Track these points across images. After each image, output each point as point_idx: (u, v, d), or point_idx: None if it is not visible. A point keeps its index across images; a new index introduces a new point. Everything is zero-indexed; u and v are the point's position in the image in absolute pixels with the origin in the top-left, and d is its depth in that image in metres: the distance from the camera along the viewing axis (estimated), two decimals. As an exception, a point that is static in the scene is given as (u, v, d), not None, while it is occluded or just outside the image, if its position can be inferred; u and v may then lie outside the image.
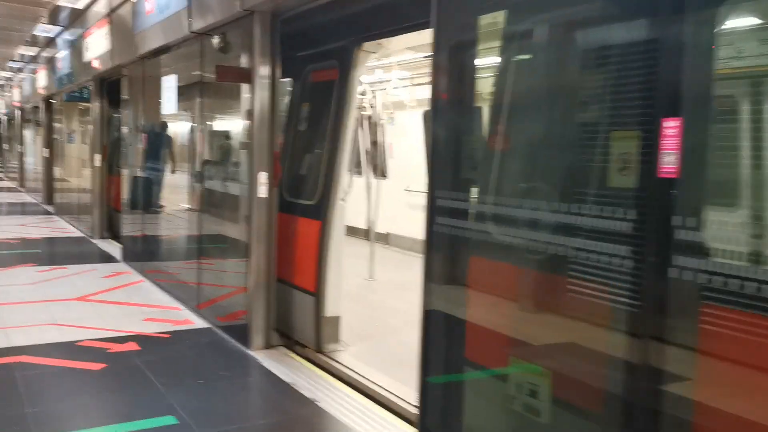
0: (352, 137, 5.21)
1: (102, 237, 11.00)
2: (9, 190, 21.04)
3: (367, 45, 5.02)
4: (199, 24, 5.80)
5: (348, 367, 4.83)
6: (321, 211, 5.10)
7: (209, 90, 6.13)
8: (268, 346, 5.30)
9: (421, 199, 3.43)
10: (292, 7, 4.98)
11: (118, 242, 10.49)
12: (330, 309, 5.15)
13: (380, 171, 8.77)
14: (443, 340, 3.46)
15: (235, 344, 5.36)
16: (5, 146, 29.01)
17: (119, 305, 6.51)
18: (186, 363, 4.92)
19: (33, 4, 10.20)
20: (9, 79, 22.02)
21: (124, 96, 9.00)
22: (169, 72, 6.94)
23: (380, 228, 9.46)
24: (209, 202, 6.23)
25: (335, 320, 5.22)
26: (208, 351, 5.21)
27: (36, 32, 12.70)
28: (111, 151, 11.21)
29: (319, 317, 5.12)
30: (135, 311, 6.32)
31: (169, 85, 6.88)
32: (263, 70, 5.12)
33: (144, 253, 8.28)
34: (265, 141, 5.17)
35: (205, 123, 6.22)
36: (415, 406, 3.60)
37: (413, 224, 9.86)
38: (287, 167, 5.56)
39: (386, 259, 9.24)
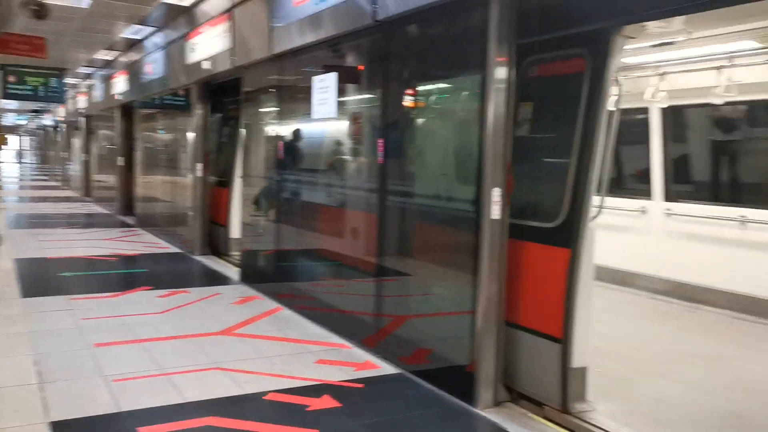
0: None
1: (203, 253, 10.14)
2: (71, 199, 20.40)
3: (628, 29, 4.01)
4: (392, 10, 4.83)
5: (621, 437, 3.79)
6: (568, 235, 4.07)
7: (400, 91, 5.15)
8: (496, 403, 4.29)
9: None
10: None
11: (223, 259, 9.68)
12: (577, 359, 4.12)
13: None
14: None
15: (451, 399, 4.35)
16: (63, 154, 28.59)
17: (276, 341, 5.57)
18: (413, 430, 3.92)
19: (137, 2, 9.40)
20: (74, 86, 21.44)
21: (248, 99, 8.16)
22: (323, 70, 6.01)
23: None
24: (391, 216, 5.25)
25: (582, 372, 4.19)
26: (425, 409, 4.21)
27: (125, 34, 11.92)
28: (213, 160, 10.39)
29: (566, 369, 4.09)
30: (298, 350, 5.37)
31: (326, 84, 5.94)
32: (500, 70, 4.12)
33: (275, 273, 7.35)
34: (499, 152, 4.17)
35: (392, 130, 5.23)
36: None
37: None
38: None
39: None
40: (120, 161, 15.96)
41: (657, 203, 7.94)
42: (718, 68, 6.24)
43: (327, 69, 5.94)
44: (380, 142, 5.21)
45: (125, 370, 4.71)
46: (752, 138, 7.51)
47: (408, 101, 5.08)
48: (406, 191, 5.05)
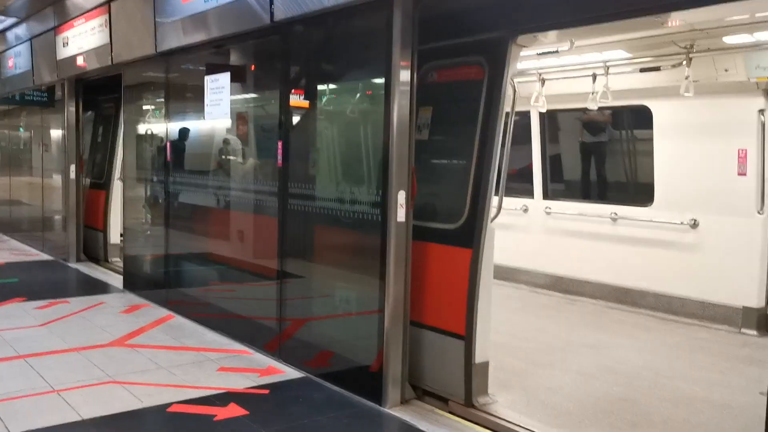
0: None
1: (79, 260, 9.56)
2: None
3: (522, 38, 4.23)
4: (291, 11, 4.79)
5: (524, 428, 3.99)
6: (470, 236, 4.23)
7: (299, 93, 5.12)
8: (403, 401, 4.38)
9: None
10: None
11: (102, 266, 9.21)
12: (480, 354, 4.30)
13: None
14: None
15: (359, 400, 4.40)
16: None
17: (173, 351, 5.38)
18: None
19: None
20: None
21: (130, 98, 7.80)
22: (216, 70, 5.86)
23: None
24: (292, 222, 5.22)
25: (485, 367, 4.38)
26: (334, 411, 4.23)
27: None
28: (88, 160, 9.83)
29: (470, 364, 4.26)
30: (198, 358, 5.21)
31: (220, 85, 5.80)
32: (404, 74, 4.20)
33: (165, 280, 7.06)
34: (404, 155, 4.25)
35: (291, 132, 5.19)
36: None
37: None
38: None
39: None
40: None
41: (537, 202, 8.39)
42: (593, 75, 6.69)
43: (221, 69, 5.80)
44: (280, 144, 5.16)
45: (10, 388, 4.37)
46: (619, 140, 8.13)
47: (308, 103, 5.07)
48: (308, 194, 5.02)
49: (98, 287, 7.95)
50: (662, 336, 6.21)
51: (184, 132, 6.87)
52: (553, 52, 5.69)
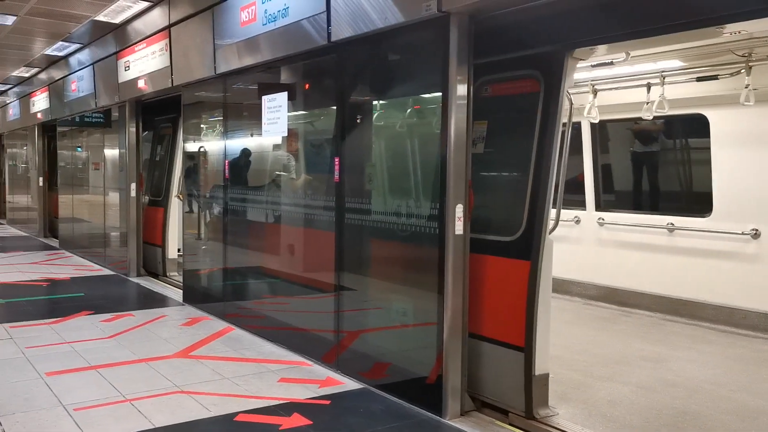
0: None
1: (139, 275, 9.88)
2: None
3: (579, 51, 4.26)
4: (345, 32, 4.94)
5: (589, 440, 3.99)
6: (528, 248, 4.27)
7: (356, 110, 5.26)
8: (463, 412, 4.42)
9: None
10: (504, 6, 4.19)
11: (161, 281, 9.50)
12: (540, 366, 4.32)
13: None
14: None
15: (419, 411, 4.46)
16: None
17: (235, 362, 5.53)
18: (388, 442, 4.01)
19: (64, 19, 9.10)
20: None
21: (189, 117, 8.06)
22: (274, 89, 6.04)
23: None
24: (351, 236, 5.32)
25: (545, 379, 4.39)
26: (395, 422, 4.29)
27: (48, 51, 11.45)
28: (146, 178, 10.17)
29: (530, 376, 4.27)
30: (259, 369, 5.35)
31: (277, 104, 5.97)
32: (461, 88, 4.28)
33: (224, 294, 7.25)
34: (461, 168, 4.33)
35: (348, 148, 5.31)
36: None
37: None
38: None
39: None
40: (40, 181, 15.35)
41: (590, 213, 8.34)
42: (647, 85, 6.66)
43: (278, 89, 5.98)
44: (337, 160, 5.28)
45: (85, 398, 4.57)
46: (673, 149, 8.04)
47: (364, 120, 5.19)
48: (364, 209, 5.12)
49: (159, 301, 8.21)
50: (723, 349, 6.10)
51: (242, 150, 7.08)
52: (608, 63, 5.70)
